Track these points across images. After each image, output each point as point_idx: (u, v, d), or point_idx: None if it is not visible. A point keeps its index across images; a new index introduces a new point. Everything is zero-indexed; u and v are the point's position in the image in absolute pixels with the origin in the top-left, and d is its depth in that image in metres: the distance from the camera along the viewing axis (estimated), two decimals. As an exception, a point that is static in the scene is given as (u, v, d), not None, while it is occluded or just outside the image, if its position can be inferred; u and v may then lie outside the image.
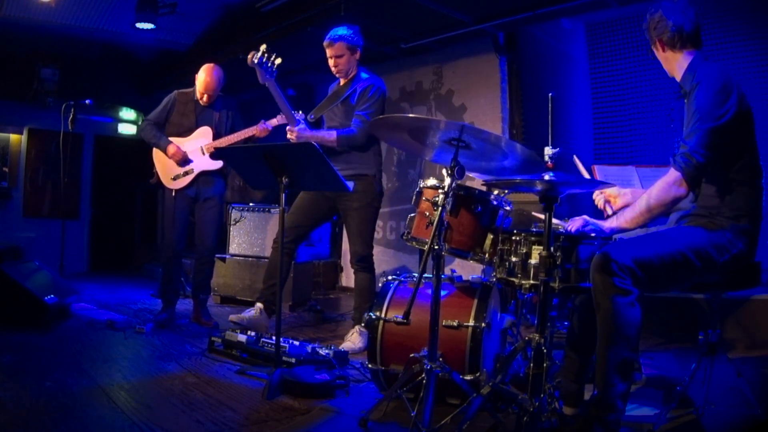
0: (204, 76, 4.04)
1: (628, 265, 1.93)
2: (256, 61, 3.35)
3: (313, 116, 3.67)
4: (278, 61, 3.42)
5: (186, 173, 4.07)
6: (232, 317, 3.57)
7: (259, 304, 3.67)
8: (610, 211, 2.45)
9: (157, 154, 4.14)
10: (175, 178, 4.09)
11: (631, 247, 1.99)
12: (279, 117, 3.92)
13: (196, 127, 4.08)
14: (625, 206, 2.35)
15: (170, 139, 4.06)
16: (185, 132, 4.09)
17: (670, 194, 2.05)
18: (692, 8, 2.20)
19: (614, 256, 1.92)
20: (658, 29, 2.22)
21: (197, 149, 4.05)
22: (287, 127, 3.53)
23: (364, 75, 3.69)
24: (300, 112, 3.68)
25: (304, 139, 3.49)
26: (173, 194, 4.10)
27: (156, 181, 4.19)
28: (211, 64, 4.10)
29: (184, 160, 4.04)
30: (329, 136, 3.56)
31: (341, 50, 3.58)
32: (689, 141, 2.03)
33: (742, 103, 2.07)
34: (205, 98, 4.07)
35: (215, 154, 4.01)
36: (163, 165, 4.12)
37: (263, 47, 3.39)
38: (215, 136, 4.04)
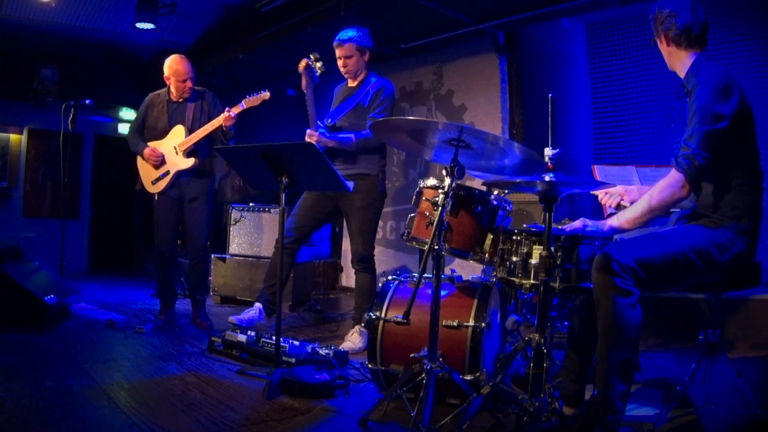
0: (176, 66, 3.95)
1: (630, 266, 1.92)
2: (307, 69, 3.49)
3: (332, 120, 3.66)
4: (323, 69, 3.55)
5: (164, 174, 4.02)
6: (231, 319, 3.57)
7: (258, 304, 3.68)
8: (610, 210, 2.45)
9: (140, 160, 4.13)
10: (154, 182, 4.06)
11: (632, 248, 1.98)
12: (244, 102, 3.86)
13: (170, 127, 4.03)
14: (633, 202, 2.35)
15: (149, 144, 4.04)
16: (161, 134, 4.04)
17: (672, 196, 2.05)
18: (701, 7, 2.19)
19: (616, 257, 1.92)
20: (665, 24, 2.21)
21: (171, 149, 4.00)
22: (308, 132, 3.50)
23: (373, 79, 3.70)
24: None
25: (323, 143, 3.50)
26: (156, 198, 4.07)
27: (140, 187, 4.18)
28: (175, 55, 4.03)
29: (159, 162, 4.00)
30: (347, 140, 3.57)
31: (350, 51, 3.60)
32: (691, 143, 2.02)
33: (744, 105, 2.07)
34: (186, 87, 3.97)
35: (194, 153, 3.98)
36: (144, 170, 4.11)
37: (315, 56, 3.50)
38: (189, 133, 3.97)
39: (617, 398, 1.91)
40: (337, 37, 3.63)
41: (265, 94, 3.84)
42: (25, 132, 7.25)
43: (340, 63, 3.65)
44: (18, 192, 7.22)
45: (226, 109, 3.88)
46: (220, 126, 3.87)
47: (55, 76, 7.01)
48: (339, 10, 4.58)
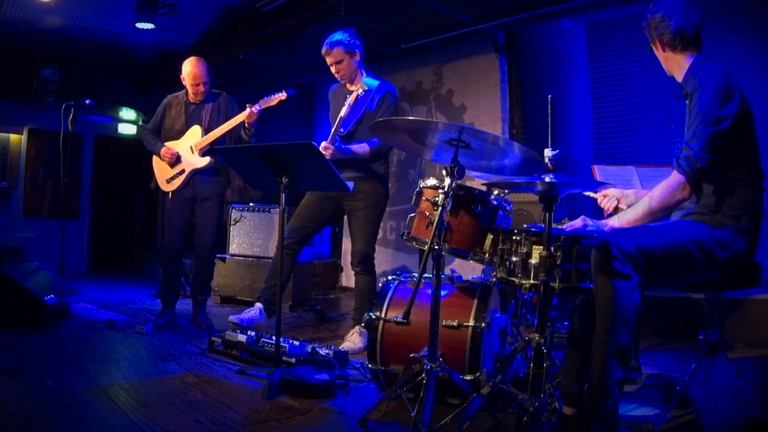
0: (190, 69, 4.00)
1: (630, 251, 1.91)
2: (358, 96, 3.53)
3: (344, 130, 3.61)
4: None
5: (179, 173, 4.07)
6: (232, 318, 3.57)
7: (259, 304, 3.67)
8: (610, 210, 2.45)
9: (156, 159, 4.17)
10: (169, 181, 4.10)
11: (633, 235, 1.98)
12: (261, 102, 3.85)
13: (187, 127, 4.07)
14: (630, 206, 2.35)
15: (165, 143, 4.08)
16: (178, 134, 4.09)
17: (673, 198, 2.05)
18: (693, 9, 2.19)
19: (615, 242, 1.91)
20: (659, 29, 2.21)
21: (188, 149, 4.04)
22: (323, 144, 3.45)
23: (373, 81, 3.66)
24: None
25: (338, 156, 3.48)
26: (170, 196, 4.11)
27: (154, 185, 4.24)
28: (192, 57, 4.08)
29: (175, 161, 4.05)
30: (362, 149, 3.56)
31: (340, 56, 3.57)
32: (693, 144, 2.02)
33: (745, 105, 2.07)
34: (201, 89, 4.02)
35: (210, 153, 4.01)
36: (160, 169, 4.17)
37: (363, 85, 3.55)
38: (205, 133, 4.01)
39: (614, 384, 1.89)
40: (324, 45, 3.58)
41: (282, 95, 3.86)
42: (25, 132, 7.24)
43: (332, 69, 3.61)
44: (18, 192, 7.22)
45: (248, 105, 3.88)
46: (242, 123, 3.89)
47: (55, 76, 7.01)
48: (339, 10, 4.58)
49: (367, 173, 3.63)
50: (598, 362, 1.92)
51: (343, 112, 3.52)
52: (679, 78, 2.25)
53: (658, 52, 2.28)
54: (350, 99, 3.52)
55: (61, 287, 4.39)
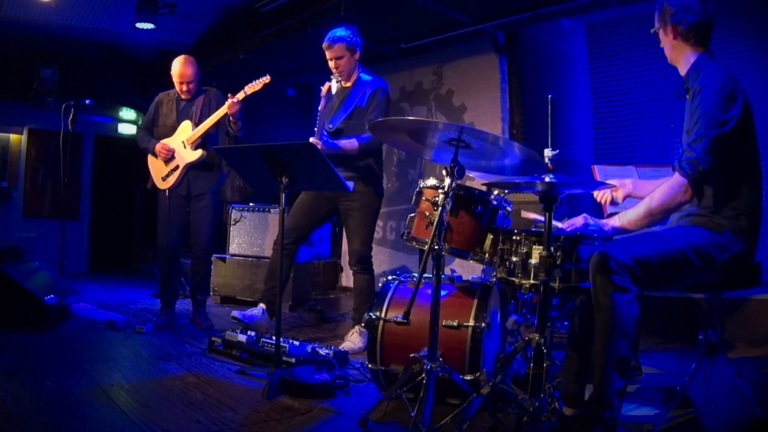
0: (178, 68, 4.03)
1: (627, 263, 1.92)
2: (329, 91, 3.59)
3: (332, 125, 3.63)
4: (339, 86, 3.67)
5: (174, 169, 4.07)
6: (234, 314, 3.56)
7: (261, 305, 3.67)
8: (610, 210, 2.45)
9: (150, 158, 4.19)
10: (165, 178, 4.11)
11: (630, 246, 1.99)
12: (246, 88, 3.87)
13: (179, 124, 4.09)
14: (626, 197, 2.35)
15: (159, 141, 4.10)
16: (170, 131, 4.11)
17: (675, 200, 2.05)
18: (710, 5, 2.18)
19: (613, 254, 1.92)
20: (675, 17, 2.18)
21: (180, 144, 4.06)
22: (311, 139, 3.46)
23: (366, 77, 3.67)
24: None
25: (326, 152, 3.43)
26: (166, 194, 4.11)
27: (151, 185, 4.24)
28: (182, 55, 4.11)
29: (170, 157, 4.06)
30: (350, 144, 3.55)
31: (341, 51, 3.57)
32: (696, 147, 2.02)
33: (747, 108, 2.07)
34: (185, 88, 4.05)
35: (203, 146, 4.01)
36: (155, 167, 4.18)
37: (336, 78, 3.60)
38: (196, 128, 4.02)
39: (614, 395, 1.91)
40: (326, 38, 3.59)
41: (266, 78, 3.88)
42: (25, 132, 7.25)
43: (331, 64, 3.62)
44: (18, 192, 7.22)
45: (230, 95, 3.88)
46: (227, 116, 3.89)
47: (55, 76, 7.02)
48: (339, 10, 4.58)
49: (360, 172, 3.63)
50: (598, 373, 1.93)
51: (321, 106, 3.57)
52: (682, 71, 2.24)
53: (668, 38, 2.24)
54: (323, 91, 3.57)
55: (61, 287, 4.39)
